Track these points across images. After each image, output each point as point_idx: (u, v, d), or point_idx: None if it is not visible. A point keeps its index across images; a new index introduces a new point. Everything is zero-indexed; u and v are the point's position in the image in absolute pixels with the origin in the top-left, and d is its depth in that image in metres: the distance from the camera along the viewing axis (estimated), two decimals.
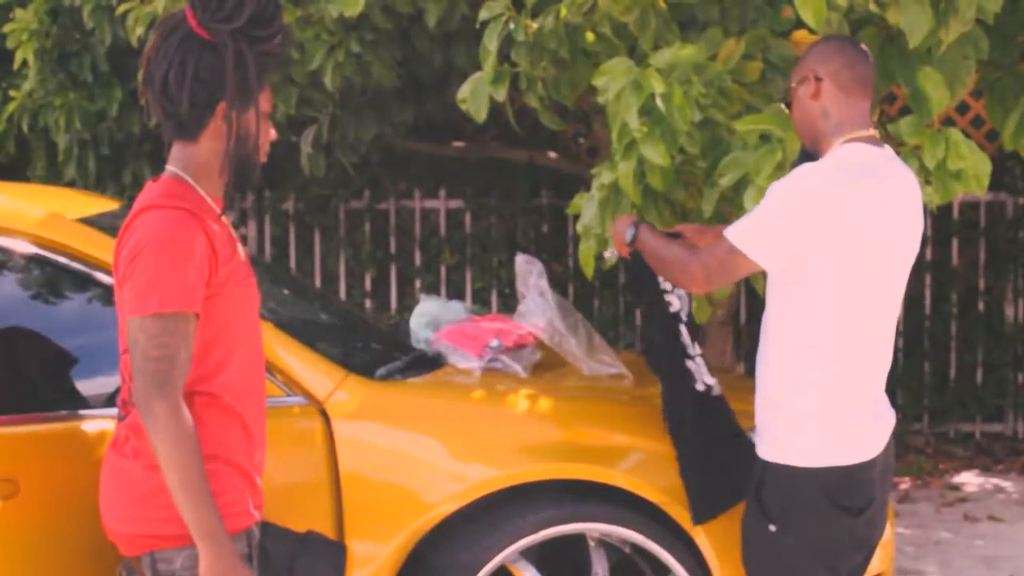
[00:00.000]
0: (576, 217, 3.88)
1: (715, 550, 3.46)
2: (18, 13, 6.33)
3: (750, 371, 3.79)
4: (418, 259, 7.96)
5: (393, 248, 7.98)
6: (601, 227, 3.74)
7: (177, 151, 2.67)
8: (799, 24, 3.66)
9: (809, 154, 3.09)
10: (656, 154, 3.47)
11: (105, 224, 3.40)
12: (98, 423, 3.12)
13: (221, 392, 2.63)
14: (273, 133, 2.75)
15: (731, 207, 3.58)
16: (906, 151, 3.38)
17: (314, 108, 5.87)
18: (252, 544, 2.67)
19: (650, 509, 3.49)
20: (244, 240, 7.77)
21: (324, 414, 3.36)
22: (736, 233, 2.95)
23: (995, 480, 6.86)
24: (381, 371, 3.59)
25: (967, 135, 3.47)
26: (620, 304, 7.72)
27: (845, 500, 2.94)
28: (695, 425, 3.46)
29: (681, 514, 3.47)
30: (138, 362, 2.50)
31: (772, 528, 2.97)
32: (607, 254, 3.53)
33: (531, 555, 3.52)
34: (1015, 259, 7.64)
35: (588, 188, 3.87)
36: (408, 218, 7.99)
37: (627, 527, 3.47)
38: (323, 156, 6.23)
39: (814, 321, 2.93)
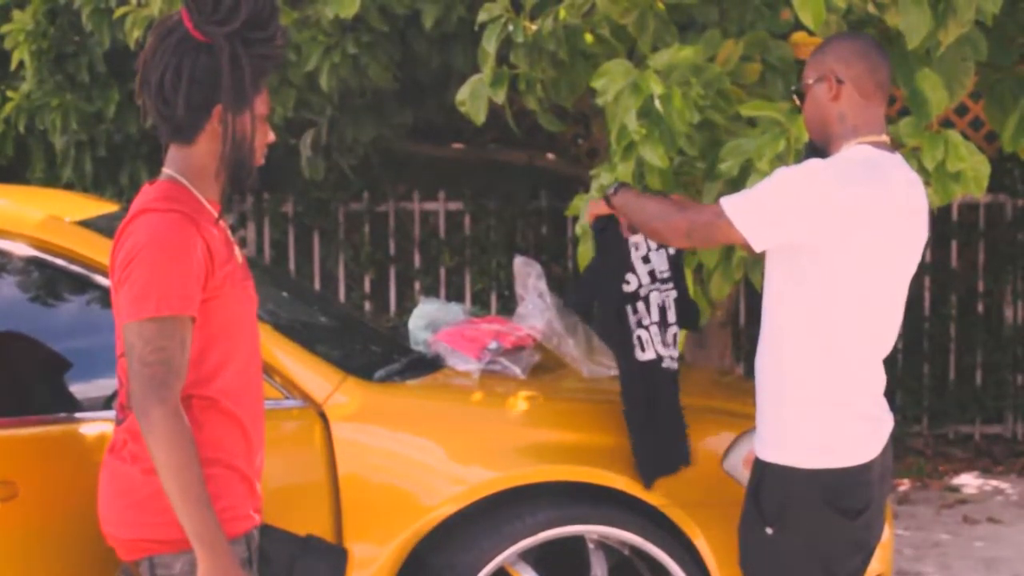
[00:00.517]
0: (575, 219, 3.88)
1: (714, 552, 3.46)
2: (16, 14, 6.33)
3: (750, 372, 3.79)
4: (417, 261, 7.96)
5: (392, 250, 7.98)
6: None
7: (173, 154, 2.67)
8: (798, 26, 3.66)
9: (817, 148, 3.07)
10: (655, 156, 3.47)
11: (104, 226, 3.39)
12: (97, 426, 3.12)
13: (219, 396, 2.62)
14: (271, 135, 2.75)
15: None
16: (905, 152, 3.37)
17: (313, 111, 5.87)
18: (252, 548, 2.66)
19: (649, 511, 3.48)
20: (243, 242, 7.78)
21: (323, 416, 3.36)
22: (730, 202, 2.93)
23: (994, 482, 6.86)
24: (380, 373, 3.58)
25: (966, 137, 3.47)
26: None
27: (843, 502, 2.94)
28: (638, 392, 3.47)
29: (680, 516, 3.47)
30: (134, 366, 2.50)
31: (769, 530, 2.97)
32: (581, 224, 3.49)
33: (530, 557, 3.52)
34: (1014, 261, 7.64)
35: (587, 190, 3.87)
36: (407, 220, 7.99)
37: (626, 529, 3.47)
38: (322, 159, 6.23)
39: (814, 323, 2.93)
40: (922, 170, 3.36)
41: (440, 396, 3.60)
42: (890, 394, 3.07)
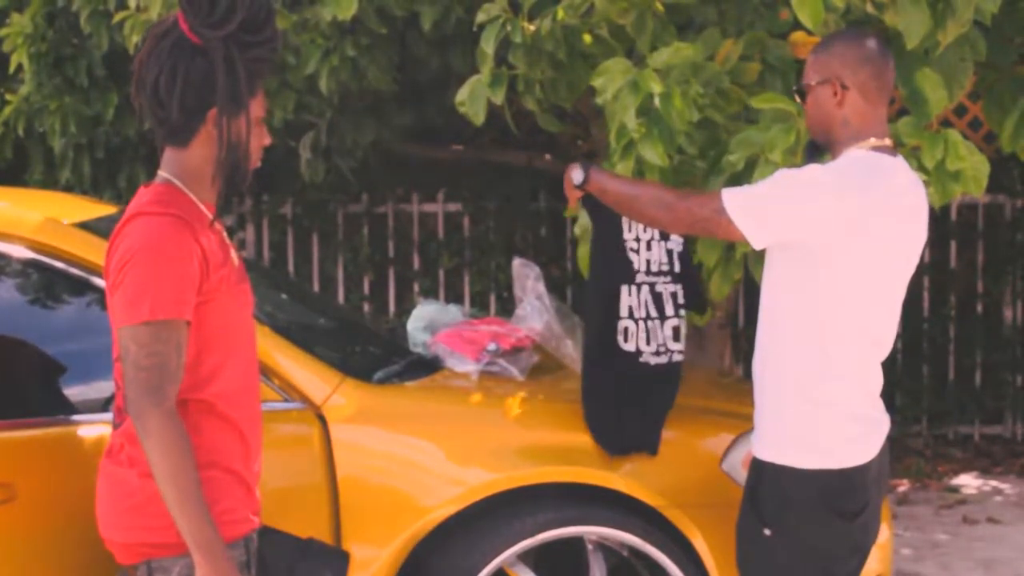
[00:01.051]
0: (574, 220, 3.88)
1: (712, 553, 3.46)
2: (14, 17, 6.33)
3: (749, 374, 3.79)
4: (416, 263, 7.96)
5: (391, 252, 7.98)
6: None
7: (169, 156, 2.66)
8: (796, 26, 3.66)
9: (818, 146, 3.07)
10: (654, 154, 3.47)
11: (102, 229, 3.39)
12: (96, 428, 3.11)
13: (215, 399, 2.62)
14: (266, 138, 2.73)
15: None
16: (905, 152, 3.37)
17: (312, 113, 5.87)
18: (250, 551, 2.65)
19: (648, 512, 3.48)
20: (242, 244, 7.78)
21: (321, 418, 3.36)
22: (732, 199, 2.91)
23: (994, 482, 6.86)
24: (378, 375, 3.58)
25: (965, 137, 3.47)
26: None
27: (841, 504, 2.93)
28: (605, 377, 3.48)
29: (679, 517, 3.47)
30: (130, 371, 2.49)
31: (767, 531, 2.97)
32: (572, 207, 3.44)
33: (529, 558, 3.52)
34: (1013, 261, 7.64)
35: None
36: (406, 222, 7.99)
37: (625, 530, 3.47)
38: (322, 161, 6.23)
39: (812, 324, 2.93)
40: (921, 169, 3.36)
41: (439, 398, 3.60)
42: (889, 395, 3.07)
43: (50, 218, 3.40)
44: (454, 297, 7.81)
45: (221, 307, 2.60)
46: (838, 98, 2.95)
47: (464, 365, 3.69)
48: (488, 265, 7.86)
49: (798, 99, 3.10)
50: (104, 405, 3.16)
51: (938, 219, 7.39)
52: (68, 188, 6.74)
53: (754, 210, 2.89)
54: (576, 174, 3.20)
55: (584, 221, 3.79)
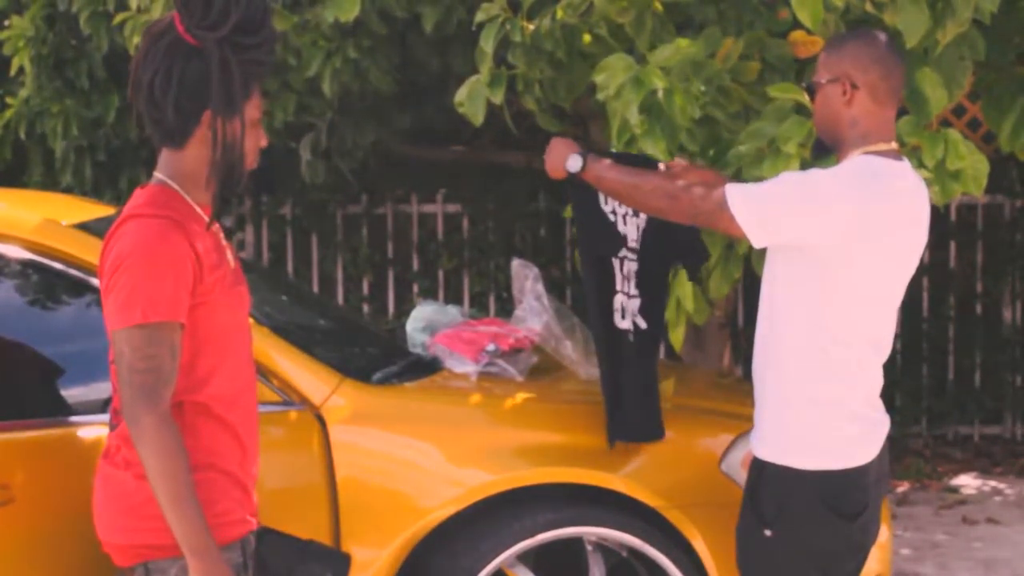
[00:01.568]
0: (573, 220, 3.87)
1: (712, 553, 3.46)
2: (14, 20, 6.33)
3: (748, 374, 3.79)
4: (416, 264, 7.96)
5: (391, 253, 7.98)
6: None
7: (165, 158, 2.65)
8: (795, 25, 3.66)
9: (825, 146, 3.06)
10: (656, 150, 3.46)
11: (100, 230, 3.37)
12: (94, 430, 3.11)
13: (210, 401, 2.61)
14: (263, 140, 2.72)
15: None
16: (905, 151, 3.37)
17: (312, 114, 5.87)
18: (247, 553, 2.65)
19: (648, 513, 3.48)
20: (242, 245, 7.78)
21: (320, 419, 3.36)
22: (735, 196, 2.90)
23: (993, 482, 6.85)
24: (378, 376, 3.58)
25: (964, 137, 3.47)
26: None
27: (841, 505, 2.93)
28: (611, 357, 3.46)
29: (678, 518, 3.47)
30: (124, 374, 2.49)
31: (767, 532, 2.96)
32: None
33: (529, 559, 3.52)
34: (1013, 261, 7.64)
35: None
36: (405, 222, 7.99)
37: (624, 531, 3.46)
38: (321, 162, 6.23)
39: (812, 325, 2.92)
40: (922, 168, 3.36)
41: (438, 398, 3.60)
42: (889, 395, 3.07)
43: (48, 219, 3.40)
44: (453, 298, 7.81)
45: (216, 309, 2.60)
46: (847, 97, 2.93)
47: (463, 366, 3.69)
48: (487, 266, 7.86)
49: (807, 96, 3.08)
50: (102, 406, 3.15)
51: (937, 220, 7.34)
52: (69, 191, 6.74)
53: (756, 209, 2.89)
54: (573, 162, 3.16)
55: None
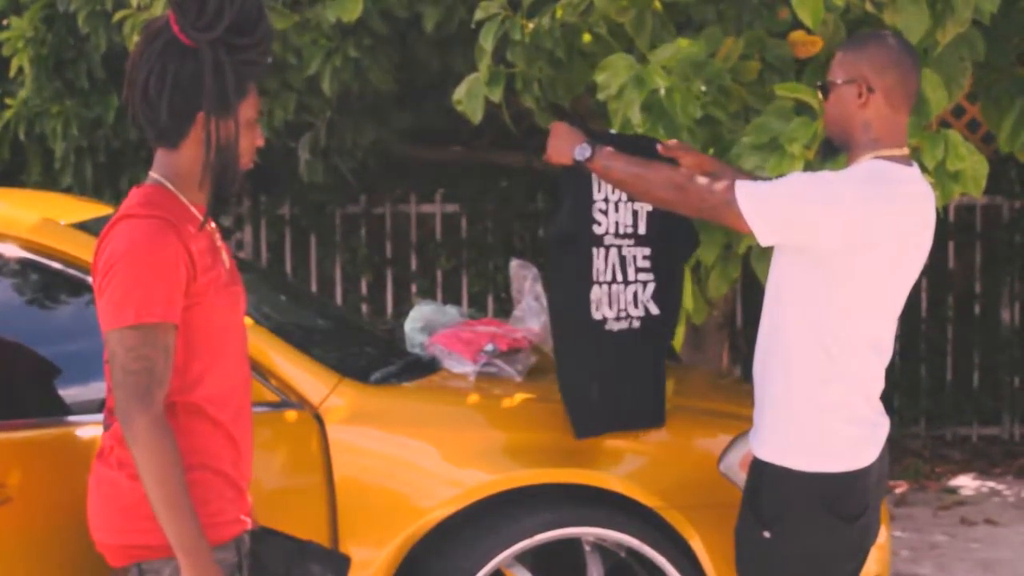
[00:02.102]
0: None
1: (710, 554, 3.46)
2: (13, 21, 6.32)
3: (746, 374, 3.79)
4: (414, 264, 7.96)
5: (389, 253, 7.98)
6: None
7: (160, 157, 2.64)
8: (795, 25, 3.66)
9: (833, 146, 3.05)
10: None
11: (99, 229, 3.35)
12: (91, 429, 3.10)
13: (204, 402, 2.60)
14: (259, 140, 2.71)
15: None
16: None
17: (312, 113, 5.86)
18: (242, 552, 2.64)
19: (646, 513, 3.48)
20: (240, 245, 7.77)
21: (319, 419, 3.35)
22: (744, 193, 2.88)
23: (992, 483, 6.85)
24: (376, 376, 3.58)
25: (964, 138, 3.47)
26: None
27: (842, 508, 2.93)
28: (579, 348, 3.44)
29: (677, 518, 3.46)
30: (117, 375, 2.48)
31: (766, 534, 2.96)
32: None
33: (527, 559, 3.52)
34: (1011, 262, 7.64)
35: None
36: (404, 223, 7.98)
37: (622, 531, 3.46)
38: (320, 161, 6.22)
39: (816, 327, 2.91)
40: (922, 169, 3.36)
41: (436, 398, 3.59)
42: (887, 396, 3.07)
43: (47, 218, 3.40)
44: (452, 298, 7.81)
45: (209, 310, 2.59)
46: (862, 100, 2.91)
47: (461, 366, 3.69)
48: (486, 266, 7.85)
49: (820, 96, 3.05)
50: (100, 406, 3.14)
51: (936, 220, 7.35)
52: (69, 191, 6.73)
53: (764, 208, 2.88)
54: (582, 151, 3.12)
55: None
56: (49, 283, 3.39)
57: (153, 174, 2.64)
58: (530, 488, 3.44)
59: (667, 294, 3.55)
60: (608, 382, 3.48)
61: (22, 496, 3.00)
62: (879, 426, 3.03)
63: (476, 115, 4.14)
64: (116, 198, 6.70)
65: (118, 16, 5.25)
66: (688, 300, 3.73)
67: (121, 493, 2.58)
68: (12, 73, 6.41)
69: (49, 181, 6.92)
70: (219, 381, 2.63)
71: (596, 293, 3.44)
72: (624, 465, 3.50)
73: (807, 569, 2.99)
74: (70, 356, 3.38)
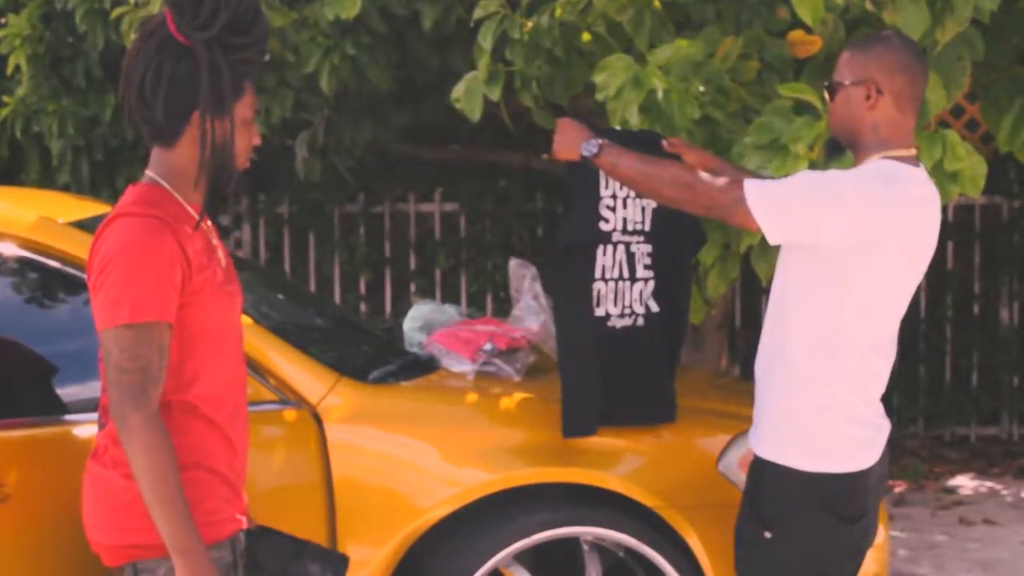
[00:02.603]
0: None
1: (708, 554, 3.45)
2: (11, 19, 6.32)
3: (745, 374, 3.78)
4: (413, 263, 7.95)
5: (388, 252, 7.97)
6: None
7: (156, 156, 2.64)
8: (794, 24, 3.66)
9: (839, 145, 3.04)
10: None
11: (96, 228, 3.37)
12: (90, 428, 3.10)
13: (199, 401, 2.60)
14: (256, 138, 2.70)
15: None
16: None
17: (309, 111, 5.86)
18: (237, 551, 2.64)
19: (644, 513, 3.48)
20: (238, 244, 7.76)
21: (317, 418, 3.35)
22: (754, 192, 2.87)
23: (990, 483, 6.85)
24: (374, 375, 3.57)
25: (962, 138, 3.47)
26: None
27: (842, 508, 2.93)
28: (580, 345, 3.43)
29: (675, 518, 3.46)
30: (112, 374, 2.47)
31: (767, 534, 2.95)
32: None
33: (525, 559, 3.51)
34: (1010, 262, 7.63)
35: None
36: (403, 222, 7.98)
37: (621, 531, 3.46)
38: (318, 160, 6.22)
39: (822, 327, 2.91)
40: None
41: (435, 398, 3.59)
42: (886, 396, 3.06)
43: (45, 217, 3.39)
44: (451, 297, 7.80)
45: (204, 309, 2.58)
46: (871, 102, 2.90)
47: (460, 365, 3.69)
48: (485, 265, 7.85)
49: (827, 96, 3.02)
50: (97, 405, 3.15)
51: None
52: (66, 190, 6.73)
53: (775, 207, 2.86)
54: (589, 147, 3.09)
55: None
56: (47, 282, 3.39)
57: (149, 173, 2.63)
58: (529, 487, 3.44)
59: (672, 291, 3.55)
60: (610, 379, 3.47)
61: (21, 495, 2.99)
62: (881, 428, 3.03)
63: (475, 114, 4.14)
64: (113, 196, 6.70)
65: (115, 13, 5.24)
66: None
67: (116, 492, 2.57)
68: (9, 71, 6.41)
69: (47, 180, 6.92)
70: (214, 380, 2.62)
71: (600, 289, 3.43)
72: (623, 464, 3.50)
73: (807, 569, 2.98)
74: (68, 355, 3.37)
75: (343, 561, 2.98)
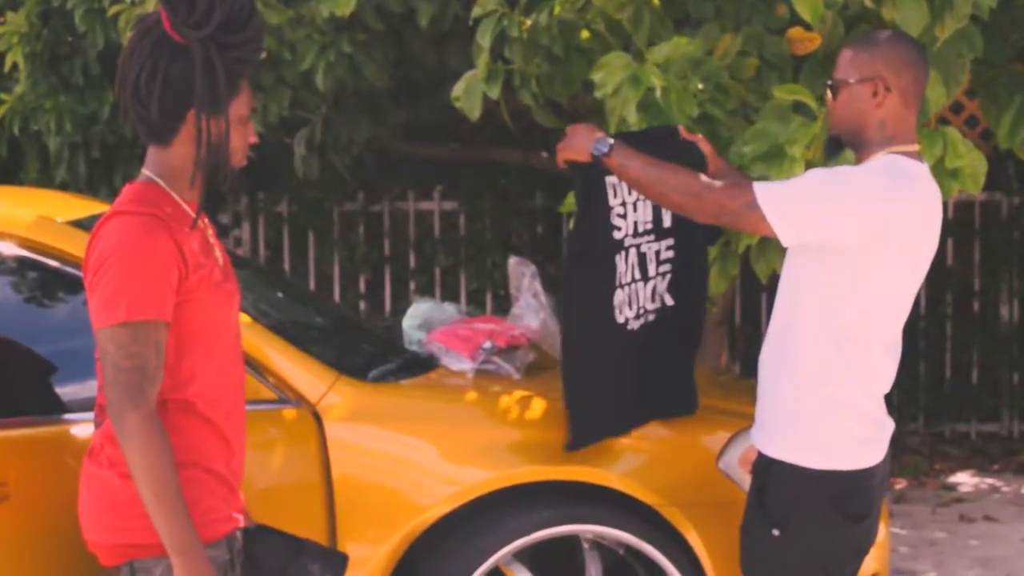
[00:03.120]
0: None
1: (709, 551, 3.45)
2: (9, 16, 6.32)
3: (745, 371, 3.77)
4: (412, 261, 7.95)
5: (387, 250, 7.97)
6: None
7: (152, 155, 2.63)
8: (793, 21, 3.65)
9: (838, 142, 3.02)
10: None
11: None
12: (88, 427, 3.09)
13: (195, 399, 2.59)
14: (253, 137, 2.70)
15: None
16: None
17: (307, 110, 5.86)
18: (234, 550, 2.63)
19: (644, 511, 3.47)
20: (238, 242, 7.76)
21: (316, 416, 3.34)
22: (765, 195, 2.85)
23: (990, 480, 6.85)
24: (374, 373, 3.57)
25: (962, 135, 3.46)
26: None
27: (849, 506, 2.93)
28: (600, 355, 3.41)
29: (675, 515, 3.46)
30: (108, 373, 2.47)
31: (775, 532, 2.95)
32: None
33: (525, 557, 3.51)
34: (1010, 259, 7.63)
35: None
36: (402, 220, 7.98)
37: (621, 529, 3.45)
38: (316, 158, 6.21)
39: (831, 324, 2.91)
40: None
41: (434, 396, 3.58)
42: (887, 395, 3.07)
43: (43, 216, 3.39)
44: (450, 295, 7.80)
45: (201, 307, 2.58)
46: (878, 99, 2.90)
47: (460, 363, 3.68)
48: (484, 263, 7.84)
49: (830, 94, 3.00)
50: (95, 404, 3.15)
51: None
52: (63, 187, 6.73)
53: (788, 208, 2.85)
54: (601, 145, 3.06)
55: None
56: (46, 281, 3.38)
57: (145, 171, 2.63)
58: (528, 485, 3.44)
59: (689, 281, 3.53)
60: (630, 381, 3.47)
61: (19, 494, 2.99)
62: (886, 426, 3.03)
63: (474, 112, 4.14)
64: (111, 194, 6.69)
65: (112, 11, 5.24)
66: None
67: (112, 492, 2.57)
68: (7, 69, 6.41)
69: (46, 178, 6.92)
70: (211, 379, 2.62)
71: (619, 297, 3.42)
72: (623, 462, 3.49)
73: (814, 567, 2.98)
74: (67, 354, 3.36)
75: (343, 560, 2.97)
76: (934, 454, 7.32)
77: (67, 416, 3.18)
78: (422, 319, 3.95)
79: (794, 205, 2.86)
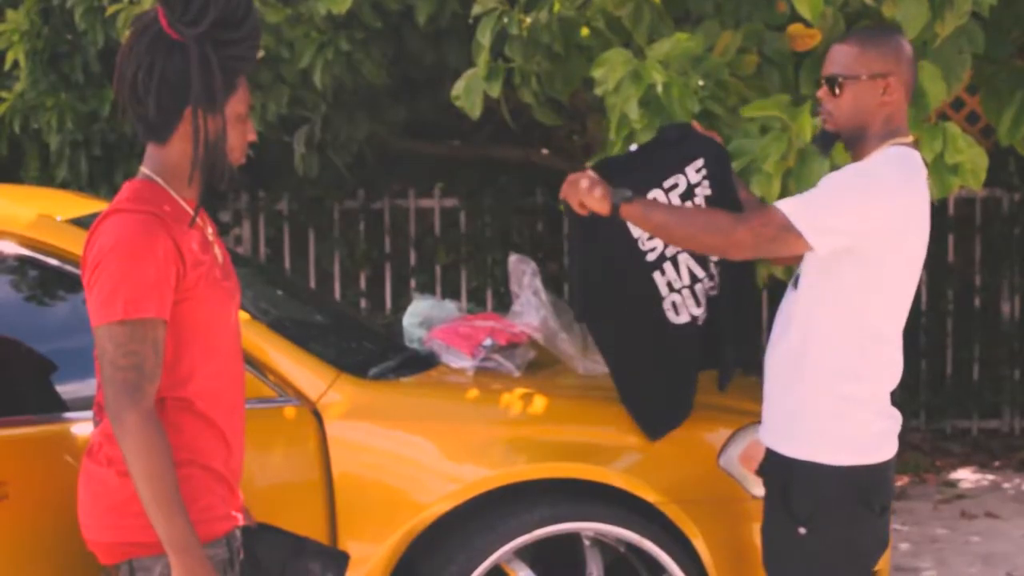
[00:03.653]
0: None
1: (710, 549, 3.45)
2: (9, 14, 6.32)
3: (746, 369, 3.77)
4: (413, 259, 7.95)
5: (388, 248, 7.97)
6: None
7: (150, 153, 2.63)
8: (793, 18, 3.65)
9: (829, 136, 3.01)
10: None
11: None
12: (88, 426, 3.09)
13: (194, 397, 2.59)
14: (251, 135, 2.69)
15: None
16: None
17: (306, 108, 5.85)
18: (233, 548, 2.63)
19: (645, 508, 3.47)
20: (238, 240, 7.76)
21: (317, 414, 3.34)
22: (798, 212, 2.83)
23: (992, 477, 6.85)
24: (374, 371, 3.57)
25: (963, 131, 3.46)
26: None
27: (873, 500, 2.96)
28: (663, 354, 3.46)
29: (676, 513, 3.45)
30: (107, 371, 2.47)
31: (801, 530, 2.94)
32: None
33: (526, 555, 3.51)
34: (1011, 255, 7.62)
35: None
36: (402, 218, 7.97)
37: (622, 526, 3.45)
38: (316, 156, 6.21)
39: (855, 323, 2.91)
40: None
41: (434, 393, 3.58)
42: None
43: (44, 214, 3.39)
44: (450, 293, 7.79)
45: (200, 305, 2.57)
46: (888, 95, 2.91)
47: (460, 361, 3.68)
48: (484, 261, 7.84)
49: (835, 91, 2.94)
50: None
51: (935, 213, 7.31)
52: (64, 185, 6.73)
53: (823, 220, 2.84)
54: (620, 194, 2.97)
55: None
56: (46, 279, 3.38)
57: (144, 169, 2.63)
58: (529, 483, 3.44)
59: (736, 273, 3.53)
60: (683, 377, 3.55)
61: (19, 493, 2.99)
62: (897, 418, 3.09)
63: (475, 110, 4.13)
64: (112, 192, 6.68)
65: (111, 10, 5.24)
66: None
67: (111, 490, 2.56)
68: (8, 66, 6.41)
69: (47, 176, 6.92)
70: (210, 377, 2.61)
71: (676, 300, 3.42)
72: (624, 460, 3.49)
73: (843, 563, 2.99)
74: (67, 353, 3.36)
75: (343, 558, 2.97)
76: (935, 451, 7.32)
77: (66, 415, 3.18)
78: (422, 317, 3.95)
79: (826, 214, 2.85)
